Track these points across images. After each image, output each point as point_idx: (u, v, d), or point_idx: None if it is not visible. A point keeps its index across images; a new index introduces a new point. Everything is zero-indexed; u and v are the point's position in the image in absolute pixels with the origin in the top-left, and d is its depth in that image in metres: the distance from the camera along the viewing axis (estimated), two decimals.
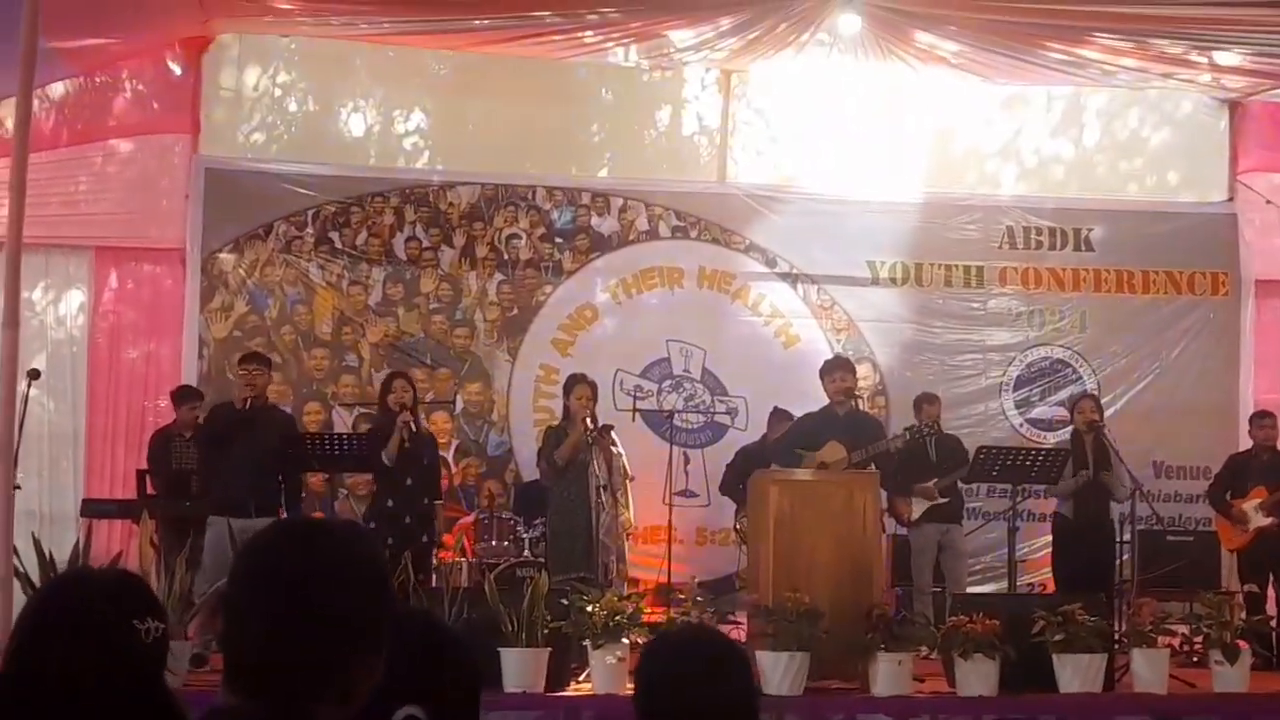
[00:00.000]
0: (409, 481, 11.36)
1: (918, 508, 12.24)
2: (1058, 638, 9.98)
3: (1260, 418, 12.93)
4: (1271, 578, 11.63)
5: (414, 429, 11.43)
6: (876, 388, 14.30)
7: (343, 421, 13.59)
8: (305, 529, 2.52)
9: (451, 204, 14.10)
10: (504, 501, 13.57)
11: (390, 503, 11.34)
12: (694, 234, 14.35)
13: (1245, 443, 14.10)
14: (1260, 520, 12.40)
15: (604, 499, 11.31)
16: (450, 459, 13.67)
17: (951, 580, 12.13)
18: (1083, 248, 14.70)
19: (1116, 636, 10.81)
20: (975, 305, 14.56)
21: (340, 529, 2.55)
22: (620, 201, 14.30)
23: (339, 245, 13.94)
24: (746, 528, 12.23)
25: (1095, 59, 13.23)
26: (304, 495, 12.03)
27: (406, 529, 11.14)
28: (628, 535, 12.11)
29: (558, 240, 14.21)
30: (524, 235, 14.18)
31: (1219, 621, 10.50)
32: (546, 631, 9.88)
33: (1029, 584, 13.33)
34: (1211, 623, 10.54)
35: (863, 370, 13.97)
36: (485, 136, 14.25)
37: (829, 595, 10.21)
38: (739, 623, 11.12)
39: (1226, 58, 13.07)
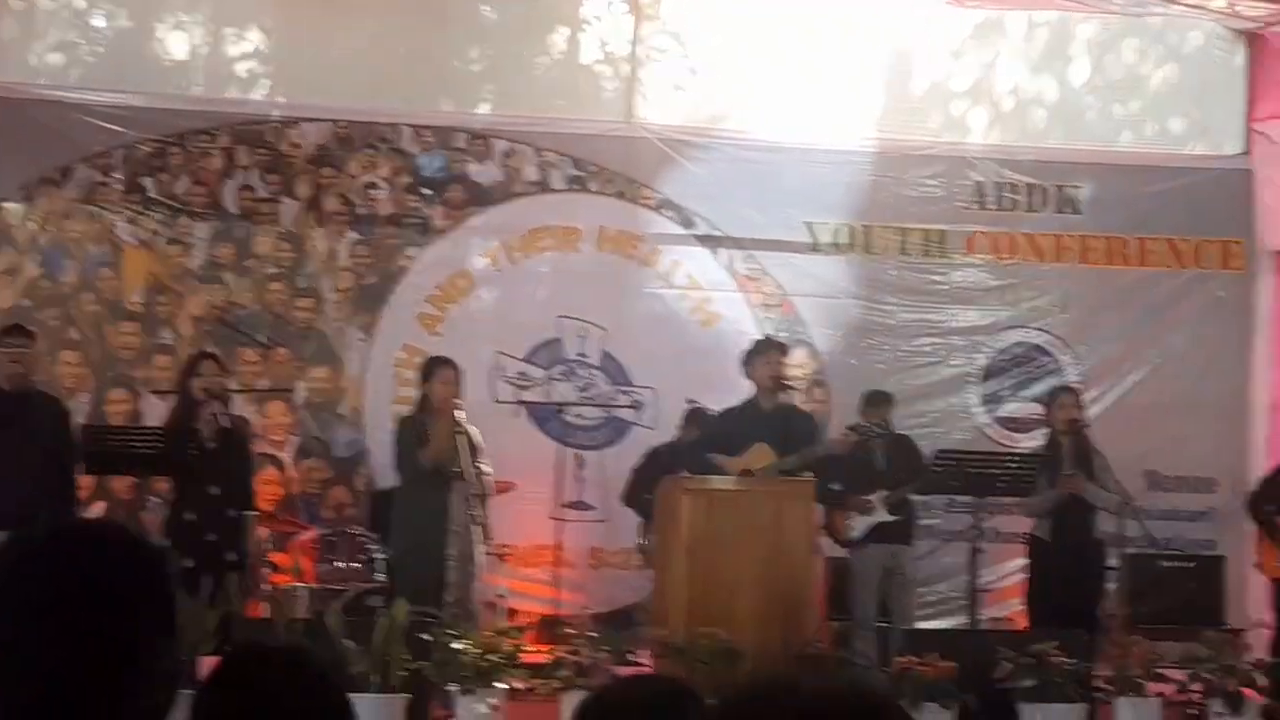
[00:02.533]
0: (214, 489, 11.24)
1: (860, 525, 12.29)
2: (1027, 683, 10.08)
3: None
4: None
5: (220, 425, 11.33)
6: (815, 377, 14.34)
7: (155, 412, 13.44)
8: (56, 539, 2.51)
9: (295, 145, 14.02)
10: (354, 513, 13.50)
11: (190, 515, 11.23)
12: (594, 186, 14.35)
13: (1259, 448, 14.30)
14: None
15: (475, 514, 11.30)
16: (288, 460, 13.59)
17: (899, 613, 12.19)
18: (1067, 209, 14.81)
19: (1099, 683, 10.91)
20: (936, 278, 14.64)
21: (103, 536, 2.54)
22: (504, 145, 14.26)
23: (154, 194, 13.82)
24: (653, 547, 12.24)
25: None
26: (89, 502, 11.98)
27: (209, 547, 11.03)
28: (503, 557, 12.10)
29: (426, 191, 14.16)
30: (384, 185, 14.12)
31: (1221, 665, 10.64)
32: (404, 674, 9.87)
33: (994, 618, 13.42)
34: (1213, 666, 10.67)
35: (799, 355, 14.04)
36: (337, 62, 14.16)
37: (752, 631, 10.28)
38: (641, 665, 11.13)
39: None
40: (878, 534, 12.25)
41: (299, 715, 2.78)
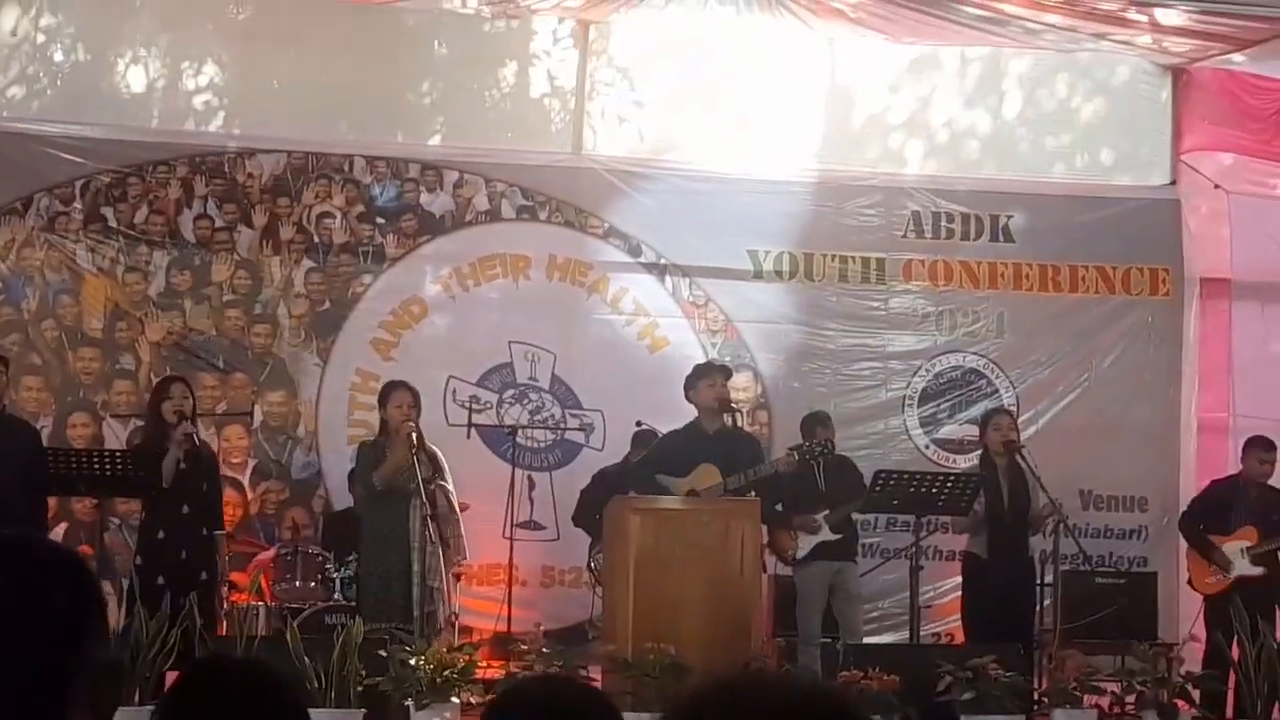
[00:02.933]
0: (185, 509, 11.33)
1: (804, 543, 12.37)
2: (967, 696, 10.16)
3: (1260, 449, 12.90)
4: (1237, 637, 11.78)
5: (189, 446, 11.38)
6: (758, 400, 14.44)
7: (115, 436, 13.46)
8: None
9: (251, 175, 14.05)
10: (311, 534, 13.53)
11: (162, 534, 11.29)
12: (543, 215, 14.42)
13: (1188, 467, 14.44)
14: (1246, 568, 12.53)
15: (430, 532, 11.32)
16: (246, 482, 13.62)
17: (844, 629, 12.26)
18: (1001, 238, 14.94)
19: (1036, 695, 11.01)
20: (875, 304, 14.75)
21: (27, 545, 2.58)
22: (455, 175, 14.32)
23: (113, 224, 13.83)
24: (602, 566, 12.30)
25: (1017, 15, 13.45)
26: (52, 524, 11.95)
27: (182, 566, 11.10)
28: (458, 575, 12.13)
29: (379, 220, 14.21)
30: (338, 214, 14.16)
31: (1155, 678, 10.74)
32: (361, 689, 9.90)
33: (934, 634, 13.52)
34: (1146, 679, 10.77)
35: (742, 379, 14.12)
36: (292, 95, 14.21)
37: (699, 646, 10.32)
38: (592, 679, 11.18)
39: (1169, 16, 13.35)
40: (822, 552, 12.33)
41: None
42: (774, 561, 13.00)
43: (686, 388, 12.02)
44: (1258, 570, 12.51)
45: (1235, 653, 11.40)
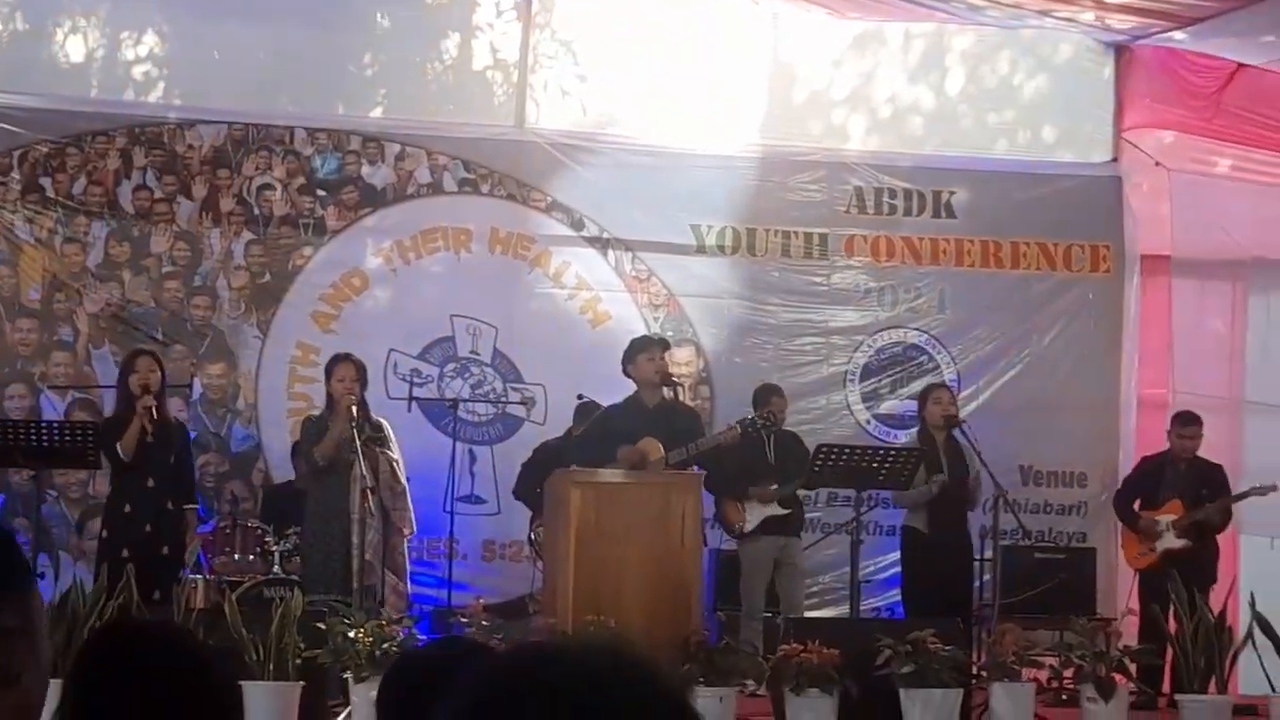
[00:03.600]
0: (151, 482, 11.30)
1: (753, 517, 12.32)
2: (906, 670, 10.13)
3: (1184, 423, 13.08)
4: (1173, 609, 11.86)
5: (156, 417, 11.33)
6: (700, 375, 14.40)
7: (53, 408, 13.35)
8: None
9: (191, 146, 13.93)
10: (250, 507, 13.47)
11: (128, 508, 11.24)
12: (485, 188, 14.33)
13: (1127, 444, 14.49)
14: (1171, 541, 12.64)
15: (370, 505, 11.25)
16: None
17: (787, 603, 12.23)
18: (943, 214, 14.91)
19: (975, 669, 10.99)
20: (817, 280, 14.71)
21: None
22: (397, 148, 14.23)
23: (51, 194, 13.70)
24: (543, 540, 12.25)
25: None
26: None
27: (147, 539, 11.04)
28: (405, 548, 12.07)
29: (320, 192, 14.10)
30: (279, 185, 14.05)
31: (1092, 652, 10.74)
32: (299, 662, 9.87)
33: (875, 608, 13.52)
34: (1084, 653, 10.77)
35: (684, 354, 14.10)
36: (233, 66, 14.11)
37: (640, 619, 10.29)
38: None
39: None
40: (768, 526, 12.30)
41: (164, 683, 2.76)
42: (717, 535, 13.01)
43: (625, 362, 11.97)
44: (1182, 543, 12.59)
45: (1172, 626, 11.45)
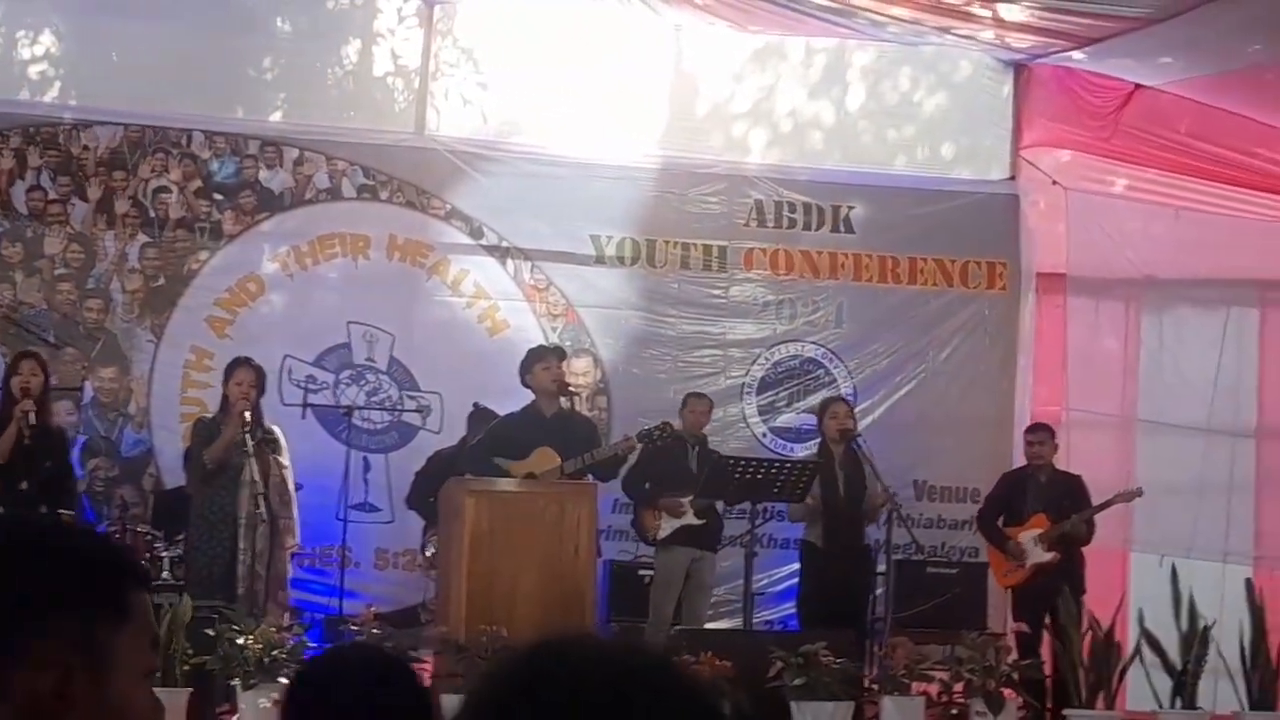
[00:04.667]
0: (24, 485, 11.16)
1: (668, 525, 12.33)
2: (798, 682, 10.17)
3: (1033, 431, 13.27)
4: (1049, 621, 11.97)
5: (34, 422, 11.19)
6: (598, 386, 14.38)
7: None
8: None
9: (86, 147, 13.81)
10: (140, 512, 13.33)
11: None
12: (385, 195, 14.27)
13: (1021, 460, 14.54)
14: (1039, 555, 12.71)
15: (261, 512, 11.17)
16: (75, 459, 13.36)
17: (690, 616, 12.26)
18: (842, 228, 14.96)
19: (866, 682, 11.04)
20: (716, 292, 14.73)
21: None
22: (295, 153, 14.15)
23: None
24: (436, 549, 12.21)
25: (862, 6, 13.50)
26: None
27: None
28: (291, 556, 12.00)
29: (217, 196, 14.00)
30: (175, 189, 13.93)
31: (983, 667, 10.79)
32: (187, 669, 9.77)
33: (769, 621, 13.55)
34: (974, 668, 10.83)
35: (582, 364, 14.09)
36: (130, 67, 13.99)
37: (532, 629, 10.23)
38: (424, 662, 11.07)
39: (1011, 11, 13.43)
40: (683, 537, 12.31)
41: None
42: (613, 547, 13.05)
43: (522, 371, 11.99)
44: (1050, 556, 12.67)
45: (1048, 641, 11.54)
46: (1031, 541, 12.79)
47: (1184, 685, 11.11)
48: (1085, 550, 12.84)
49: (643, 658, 1.89)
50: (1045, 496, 12.94)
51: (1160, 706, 11.16)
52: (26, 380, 11.28)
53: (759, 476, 12.15)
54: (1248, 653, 11.16)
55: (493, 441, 11.93)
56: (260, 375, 11.68)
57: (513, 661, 1.90)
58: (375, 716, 3.18)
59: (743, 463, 12.47)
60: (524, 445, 11.66)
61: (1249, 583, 12.18)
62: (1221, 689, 11.47)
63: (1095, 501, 12.90)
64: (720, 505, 12.56)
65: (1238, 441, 15.05)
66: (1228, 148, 14.71)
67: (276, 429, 11.77)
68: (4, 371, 11.80)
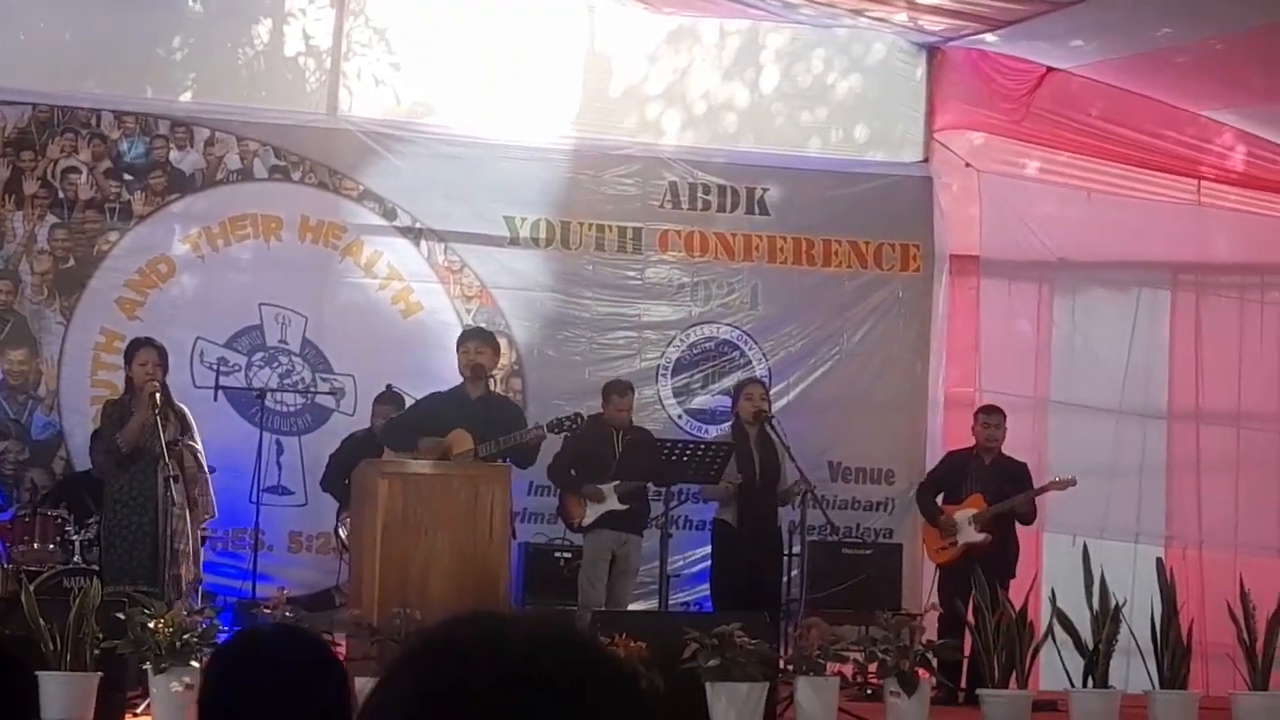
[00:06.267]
0: None
1: (591, 512, 12.38)
2: (712, 663, 10.16)
3: (987, 413, 13.35)
4: (973, 603, 12.04)
5: None
6: (512, 368, 14.36)
7: None
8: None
9: None
10: (50, 495, 13.19)
11: None
12: (296, 176, 14.21)
13: (935, 442, 14.67)
14: (971, 535, 12.84)
15: (174, 494, 11.11)
16: None
17: (615, 599, 12.32)
18: (756, 210, 15.00)
19: (781, 663, 11.06)
20: (631, 274, 14.74)
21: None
22: (206, 133, 14.06)
23: None
24: (350, 531, 12.18)
25: None
26: None
27: None
28: (204, 538, 11.95)
29: (127, 177, 13.89)
30: (85, 169, 13.82)
31: (896, 647, 10.83)
32: (98, 653, 9.73)
33: (684, 602, 13.58)
34: (888, 648, 10.86)
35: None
36: (38, 47, 13.88)
37: (444, 612, 10.18)
38: (337, 644, 11.04)
39: None
40: (608, 521, 12.37)
41: None
42: (529, 530, 13.07)
43: (456, 347, 12.07)
44: (982, 537, 12.78)
45: (970, 620, 11.61)
46: (965, 520, 12.91)
47: (1095, 664, 11.18)
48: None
49: (561, 634, 1.88)
50: (985, 478, 13.06)
51: (1073, 685, 11.24)
52: None
53: (674, 458, 12.18)
54: (1158, 632, 11.24)
55: (414, 417, 11.98)
56: (163, 354, 11.61)
57: (429, 641, 1.89)
58: (293, 695, 3.17)
59: (657, 443, 12.50)
60: (444, 424, 11.69)
61: (1160, 563, 12.27)
62: (1134, 668, 11.55)
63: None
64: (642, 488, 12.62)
65: (1149, 423, 15.19)
66: (1139, 130, 14.85)
67: (185, 409, 11.71)
68: None
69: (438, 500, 10.90)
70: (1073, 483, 13.20)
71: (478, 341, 12.25)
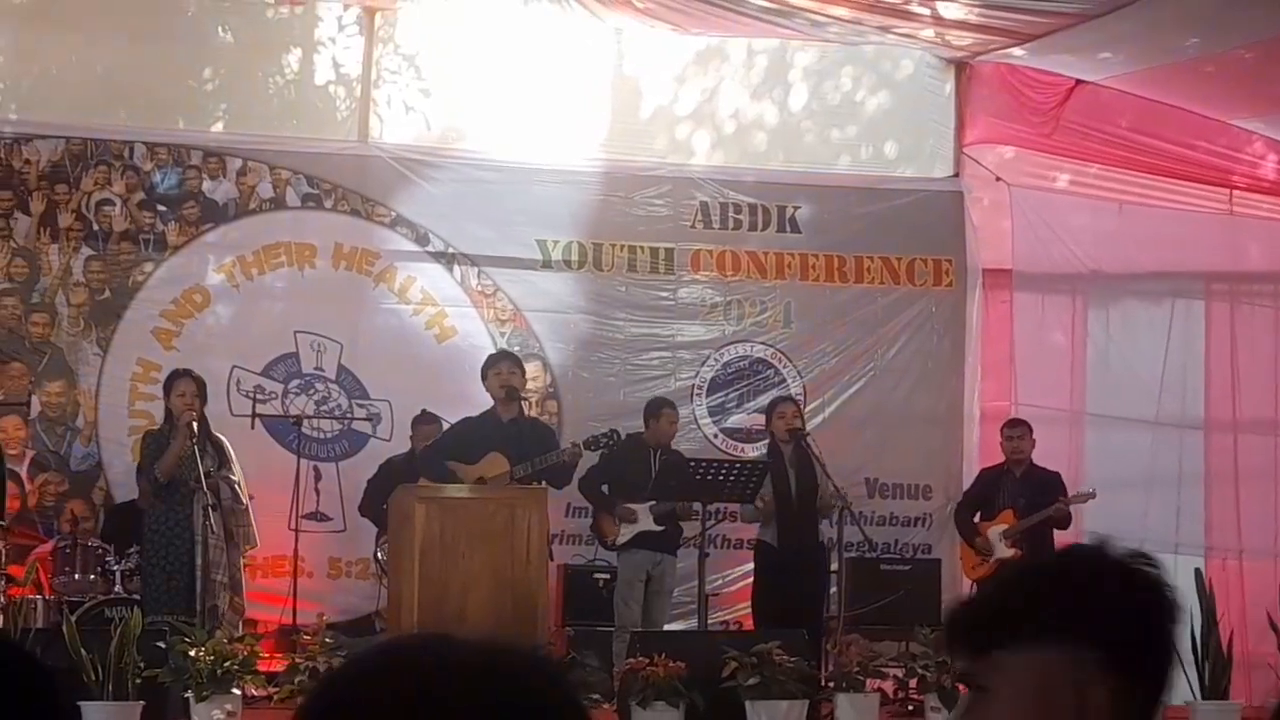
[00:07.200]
0: None
1: (625, 530, 12.38)
2: (752, 681, 10.18)
3: (1011, 426, 13.38)
4: None
5: None
6: (547, 390, 14.38)
7: None
8: None
9: (28, 161, 13.75)
10: (90, 526, 13.26)
11: None
12: (329, 204, 14.26)
13: (971, 456, 14.65)
14: (1004, 551, 12.83)
15: (212, 523, 11.15)
16: (24, 474, 13.31)
17: (651, 619, 12.31)
18: (787, 229, 15.00)
19: (821, 680, 11.07)
20: (664, 294, 14.75)
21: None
22: (239, 163, 14.12)
23: None
24: (388, 556, 12.21)
25: (803, 7, 13.54)
26: None
27: None
28: (245, 565, 11.98)
29: (161, 208, 13.96)
30: (118, 201, 13.89)
31: (936, 662, 10.83)
32: (139, 681, 9.76)
33: (723, 621, 13.57)
34: (928, 663, 10.86)
35: (532, 369, 14.05)
36: (71, 80, 13.95)
37: (485, 634, 10.22)
38: None
39: (951, 9, 13.50)
40: (643, 541, 12.38)
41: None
42: (566, 551, 13.08)
43: (482, 377, 12.10)
44: (1013, 552, 12.76)
45: None
46: (997, 537, 12.92)
47: None
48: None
49: (462, 656, 1.82)
50: (1017, 492, 13.06)
51: None
52: None
53: (709, 477, 12.19)
54: (1199, 643, 11.23)
55: (448, 444, 12.00)
56: (201, 386, 11.69)
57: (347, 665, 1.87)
58: None
59: (693, 463, 12.52)
60: (478, 449, 11.72)
61: (1199, 573, 12.25)
62: (1174, 679, 11.51)
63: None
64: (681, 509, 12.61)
65: (1186, 433, 15.15)
66: (1169, 141, 14.82)
67: (223, 440, 11.77)
68: None
69: (475, 524, 10.93)
70: (1092, 495, 13.16)
71: (509, 363, 12.30)
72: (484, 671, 1.79)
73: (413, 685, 1.76)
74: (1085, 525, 13.74)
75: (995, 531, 12.96)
